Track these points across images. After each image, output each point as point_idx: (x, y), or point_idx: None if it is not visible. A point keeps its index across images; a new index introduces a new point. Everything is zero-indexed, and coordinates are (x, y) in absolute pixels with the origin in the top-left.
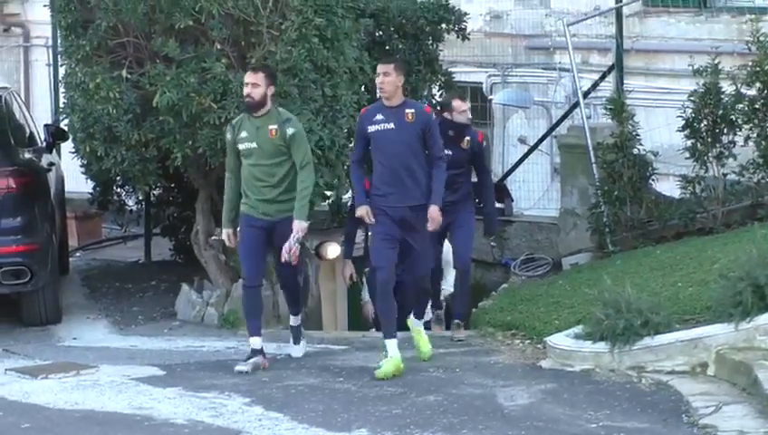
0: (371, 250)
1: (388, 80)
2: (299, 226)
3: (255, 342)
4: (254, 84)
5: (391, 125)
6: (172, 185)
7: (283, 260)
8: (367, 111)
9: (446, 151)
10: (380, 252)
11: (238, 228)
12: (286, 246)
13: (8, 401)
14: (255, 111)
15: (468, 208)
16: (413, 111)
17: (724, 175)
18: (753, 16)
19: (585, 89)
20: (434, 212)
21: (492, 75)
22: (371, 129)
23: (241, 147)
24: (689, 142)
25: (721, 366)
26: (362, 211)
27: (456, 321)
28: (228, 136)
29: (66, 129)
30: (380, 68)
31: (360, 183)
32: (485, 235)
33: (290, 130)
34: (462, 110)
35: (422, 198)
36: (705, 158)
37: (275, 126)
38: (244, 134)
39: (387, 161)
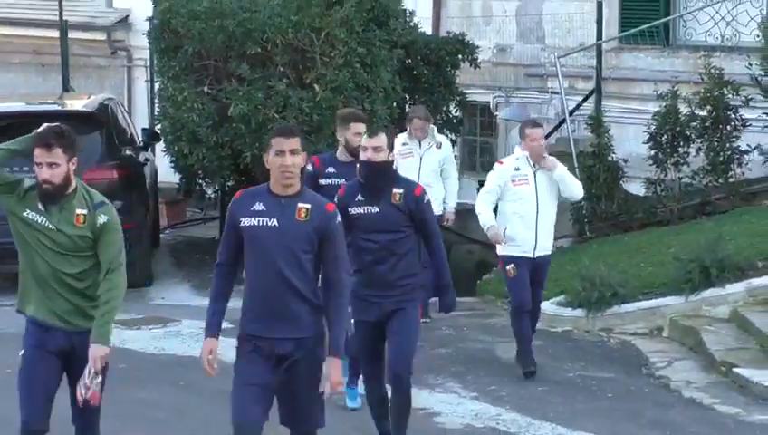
0: (231, 399)
1: (296, 160)
2: (98, 353)
3: None
4: (53, 163)
5: (274, 221)
6: (242, 178)
7: (79, 402)
8: (243, 194)
9: (371, 209)
10: (241, 405)
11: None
12: (82, 384)
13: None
14: (56, 200)
15: (411, 296)
16: (308, 206)
17: (680, 178)
18: (705, 53)
19: (571, 108)
20: (332, 370)
21: (497, 96)
22: (245, 222)
23: (28, 215)
24: (653, 152)
25: (673, 330)
26: (206, 350)
27: None
28: (11, 199)
29: (159, 132)
30: (283, 143)
31: (217, 302)
32: (441, 310)
33: (102, 218)
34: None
35: (309, 329)
36: (665, 164)
37: (84, 211)
38: (40, 206)
39: (260, 272)
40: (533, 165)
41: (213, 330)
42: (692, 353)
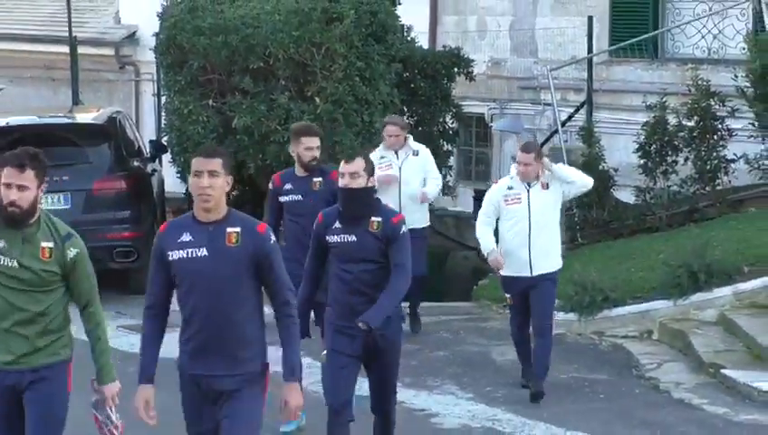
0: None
1: (215, 183)
2: (113, 391)
3: None
4: (22, 187)
5: (203, 251)
6: (246, 188)
7: None
8: (168, 226)
9: (348, 237)
10: None
11: None
12: (112, 427)
13: (119, 351)
14: (21, 225)
15: (394, 328)
16: (238, 230)
17: (669, 186)
18: (692, 65)
19: (563, 119)
20: (292, 396)
21: (492, 108)
22: (173, 255)
23: None
24: (642, 161)
25: (663, 333)
26: (141, 400)
27: None
28: None
29: (166, 144)
30: (201, 163)
31: (149, 347)
32: (360, 320)
33: (72, 252)
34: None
35: (250, 363)
36: (654, 173)
37: (50, 244)
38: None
39: (194, 306)
40: (527, 184)
41: (148, 377)
42: (681, 355)
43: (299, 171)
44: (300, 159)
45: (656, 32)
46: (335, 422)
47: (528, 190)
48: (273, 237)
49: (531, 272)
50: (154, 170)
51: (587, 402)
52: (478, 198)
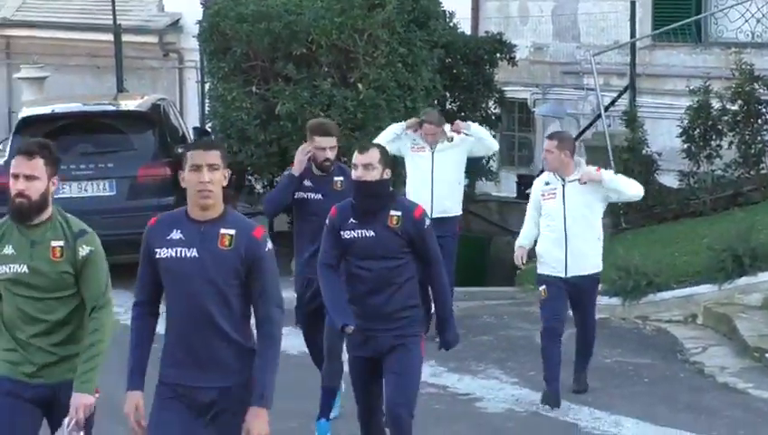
0: None
1: (215, 177)
2: (81, 401)
3: None
4: (30, 176)
5: (193, 252)
6: None
7: None
8: (158, 220)
9: (366, 232)
10: None
11: None
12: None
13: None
14: (29, 218)
15: (412, 330)
16: (233, 232)
17: (713, 171)
18: (736, 49)
19: (606, 104)
20: (256, 423)
21: (534, 93)
22: (161, 253)
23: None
24: (686, 145)
25: (708, 317)
26: (131, 406)
27: None
28: None
29: (210, 130)
30: (200, 156)
31: (137, 349)
32: (441, 347)
33: (84, 250)
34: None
35: (236, 376)
36: (698, 157)
37: (61, 242)
38: (8, 250)
39: (180, 310)
40: (562, 178)
41: (136, 382)
42: (726, 340)
43: (315, 170)
44: (314, 158)
45: (699, 16)
46: (370, 423)
47: (563, 186)
48: (269, 244)
49: (565, 273)
50: None
51: (631, 386)
52: (521, 184)
